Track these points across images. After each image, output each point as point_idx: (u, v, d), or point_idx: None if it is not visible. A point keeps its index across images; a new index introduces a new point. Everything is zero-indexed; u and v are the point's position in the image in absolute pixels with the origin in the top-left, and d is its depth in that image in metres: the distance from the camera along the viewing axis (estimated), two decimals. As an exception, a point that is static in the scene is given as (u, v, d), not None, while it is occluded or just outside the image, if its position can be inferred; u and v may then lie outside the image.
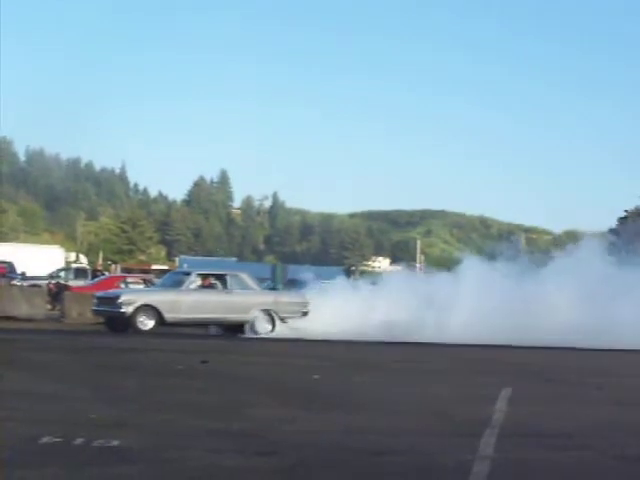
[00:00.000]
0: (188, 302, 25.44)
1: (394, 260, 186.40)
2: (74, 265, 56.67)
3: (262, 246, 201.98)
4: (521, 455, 8.69)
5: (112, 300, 25.47)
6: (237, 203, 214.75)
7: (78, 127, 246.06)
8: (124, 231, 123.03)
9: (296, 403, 11.78)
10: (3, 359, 16.03)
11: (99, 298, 26.60)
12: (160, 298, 25.57)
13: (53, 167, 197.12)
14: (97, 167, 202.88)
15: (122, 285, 36.41)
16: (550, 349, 23.83)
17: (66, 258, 59.42)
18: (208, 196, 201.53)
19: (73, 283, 40.92)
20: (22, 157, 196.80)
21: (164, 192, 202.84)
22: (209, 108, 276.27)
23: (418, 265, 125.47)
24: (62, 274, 46.37)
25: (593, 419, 11.52)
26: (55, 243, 70.04)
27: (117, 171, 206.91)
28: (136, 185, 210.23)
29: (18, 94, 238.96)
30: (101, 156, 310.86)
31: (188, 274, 27.24)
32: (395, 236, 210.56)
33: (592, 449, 9.21)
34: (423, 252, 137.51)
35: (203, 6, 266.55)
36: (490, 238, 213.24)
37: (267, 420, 10.03)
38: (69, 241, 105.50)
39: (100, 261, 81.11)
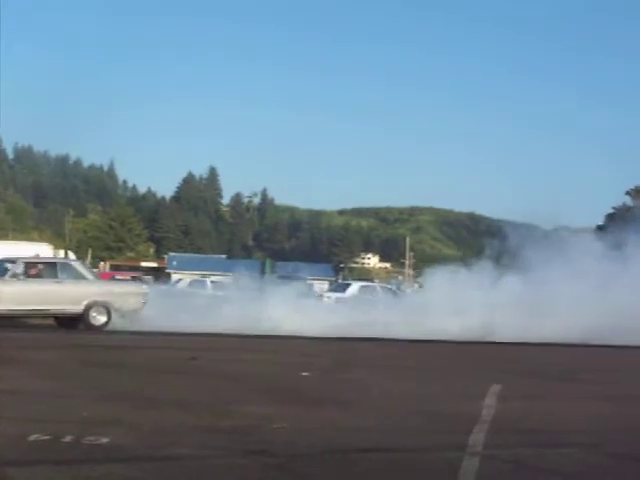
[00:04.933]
0: (10, 292, 23.37)
1: (383, 257, 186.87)
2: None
3: (251, 243, 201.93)
4: (510, 451, 8.70)
5: None
6: (226, 200, 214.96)
7: (67, 124, 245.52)
8: (112, 228, 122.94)
9: (285, 400, 11.77)
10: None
11: None
12: None
13: (41, 164, 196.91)
14: (85, 164, 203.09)
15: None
16: (545, 345, 23.87)
17: (55, 255, 59.17)
18: (197, 193, 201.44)
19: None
20: (10, 154, 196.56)
21: (153, 189, 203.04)
22: (198, 106, 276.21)
23: (407, 262, 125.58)
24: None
25: (584, 416, 11.55)
26: (43, 240, 69.78)
27: (106, 168, 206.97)
28: (125, 182, 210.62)
29: (6, 92, 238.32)
30: (90, 153, 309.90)
31: (13, 262, 24.63)
32: (384, 233, 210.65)
33: (582, 446, 9.23)
34: (412, 249, 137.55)
35: (195, 10, 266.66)
36: (479, 234, 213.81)
37: (256, 417, 10.02)
38: (57, 238, 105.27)
39: (89, 258, 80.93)
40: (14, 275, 23.94)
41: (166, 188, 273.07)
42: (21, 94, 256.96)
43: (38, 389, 11.86)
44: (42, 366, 14.82)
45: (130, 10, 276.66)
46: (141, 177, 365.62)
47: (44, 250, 54.77)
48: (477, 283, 29.79)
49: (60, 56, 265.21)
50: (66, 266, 25.47)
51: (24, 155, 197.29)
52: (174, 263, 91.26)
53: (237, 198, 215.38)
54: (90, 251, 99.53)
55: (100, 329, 24.14)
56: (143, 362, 16.30)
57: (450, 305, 28.06)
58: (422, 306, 29.24)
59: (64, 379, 13.23)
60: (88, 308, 24.36)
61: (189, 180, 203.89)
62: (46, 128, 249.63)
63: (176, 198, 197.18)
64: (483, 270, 30.69)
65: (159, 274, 67.94)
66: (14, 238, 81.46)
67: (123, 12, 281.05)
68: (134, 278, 40.95)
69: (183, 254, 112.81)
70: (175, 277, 61.51)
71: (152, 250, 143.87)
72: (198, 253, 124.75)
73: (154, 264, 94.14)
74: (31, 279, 24.22)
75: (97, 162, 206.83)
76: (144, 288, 27.54)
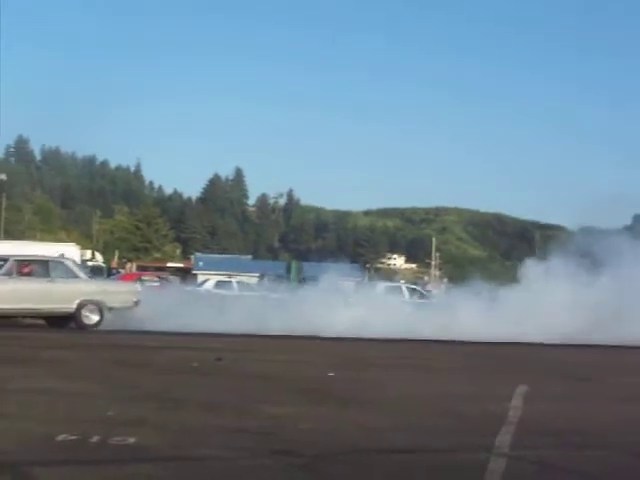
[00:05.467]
0: (1, 291, 23.06)
1: (409, 257, 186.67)
2: (90, 263, 56.69)
3: (277, 244, 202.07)
4: (537, 453, 8.66)
5: None
6: (252, 201, 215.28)
7: (94, 126, 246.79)
8: (139, 229, 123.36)
9: (310, 400, 11.78)
10: (17, 357, 16.07)
11: None
12: None
13: (69, 166, 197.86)
14: (112, 165, 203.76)
15: (137, 283, 36.46)
16: (576, 346, 23.72)
17: (82, 256, 59.43)
18: (223, 194, 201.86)
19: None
20: (38, 156, 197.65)
21: (179, 190, 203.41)
22: (224, 106, 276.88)
23: (433, 263, 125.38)
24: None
25: (610, 417, 11.49)
26: (71, 241, 70.14)
27: (132, 169, 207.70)
28: (151, 183, 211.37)
29: (34, 94, 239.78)
30: (116, 154, 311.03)
31: (5, 260, 24.11)
32: (410, 233, 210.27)
33: (608, 447, 9.19)
34: (438, 249, 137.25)
35: (221, 8, 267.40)
36: (505, 235, 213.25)
37: (282, 418, 10.03)
38: (85, 239, 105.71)
39: (116, 259, 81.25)
40: (6, 273, 23.65)
41: (192, 189, 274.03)
42: (48, 96, 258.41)
43: (62, 388, 11.90)
44: (63, 366, 14.86)
45: (157, 12, 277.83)
46: (167, 178, 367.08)
47: (71, 250, 55.24)
48: (573, 282, 28.93)
49: (88, 58, 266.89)
50: (58, 265, 25.06)
51: (51, 156, 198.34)
52: (200, 264, 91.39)
53: (263, 199, 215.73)
54: (117, 252, 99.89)
55: (92, 328, 23.95)
56: (167, 362, 16.32)
57: (555, 304, 27.44)
58: (523, 305, 28.29)
59: (86, 379, 13.24)
60: (80, 307, 24.16)
61: (215, 181, 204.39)
62: (73, 130, 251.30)
63: (202, 199, 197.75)
64: (573, 268, 29.50)
65: (185, 275, 68.17)
66: (42, 239, 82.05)
67: (150, 15, 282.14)
68: (161, 279, 41.03)
69: (209, 255, 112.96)
70: (201, 278, 61.60)
71: (178, 251, 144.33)
72: (224, 254, 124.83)
73: (180, 265, 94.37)
74: (23, 278, 23.91)
75: (124, 163, 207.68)
76: (136, 287, 27.42)
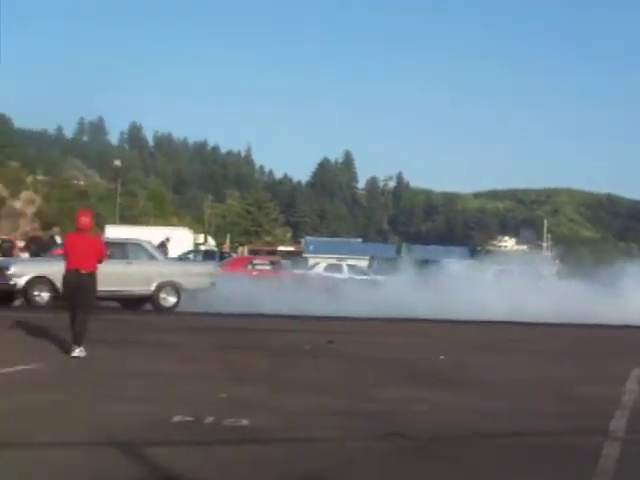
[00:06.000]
0: None
1: (520, 239, 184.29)
2: (202, 247, 57.42)
3: (386, 226, 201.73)
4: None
5: (1, 271, 22.97)
6: (361, 184, 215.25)
7: (204, 111, 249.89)
8: (250, 213, 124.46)
9: (422, 384, 11.76)
10: (130, 340, 16.35)
11: None
12: (54, 269, 21.03)
13: (181, 151, 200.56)
14: (223, 150, 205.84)
15: (249, 267, 36.78)
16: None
17: (195, 240, 60.26)
18: (333, 177, 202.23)
19: (201, 265, 41.31)
20: (151, 142, 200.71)
21: (289, 174, 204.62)
22: (333, 89, 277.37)
23: (544, 244, 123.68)
24: (191, 256, 47.03)
25: None
26: (183, 226, 71.22)
27: (243, 154, 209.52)
28: (262, 167, 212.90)
29: (146, 81, 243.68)
30: (227, 139, 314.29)
31: None
32: (521, 214, 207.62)
33: None
34: (550, 231, 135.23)
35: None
36: (618, 216, 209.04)
37: (394, 401, 10.05)
38: (196, 224, 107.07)
39: (227, 243, 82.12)
40: None
41: (302, 173, 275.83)
42: (161, 83, 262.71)
43: (176, 372, 12.11)
44: (176, 349, 15.03)
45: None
46: (277, 162, 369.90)
47: (185, 235, 56.02)
48: None
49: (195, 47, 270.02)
50: (136, 247, 24.80)
51: (164, 142, 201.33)
52: (311, 247, 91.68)
53: (372, 182, 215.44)
54: (229, 236, 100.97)
55: (170, 310, 23.88)
56: (279, 345, 16.41)
57: None
58: None
59: (199, 361, 13.44)
60: (158, 289, 24.15)
61: (325, 164, 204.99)
62: (185, 116, 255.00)
63: (312, 183, 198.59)
64: None
65: (296, 258, 68.57)
66: (155, 223, 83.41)
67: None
68: (272, 263, 41.33)
69: (319, 238, 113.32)
70: (311, 261, 61.79)
71: (289, 234, 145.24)
72: (334, 237, 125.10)
73: (291, 248, 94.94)
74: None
75: (235, 148, 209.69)
76: (212, 268, 27.27)
